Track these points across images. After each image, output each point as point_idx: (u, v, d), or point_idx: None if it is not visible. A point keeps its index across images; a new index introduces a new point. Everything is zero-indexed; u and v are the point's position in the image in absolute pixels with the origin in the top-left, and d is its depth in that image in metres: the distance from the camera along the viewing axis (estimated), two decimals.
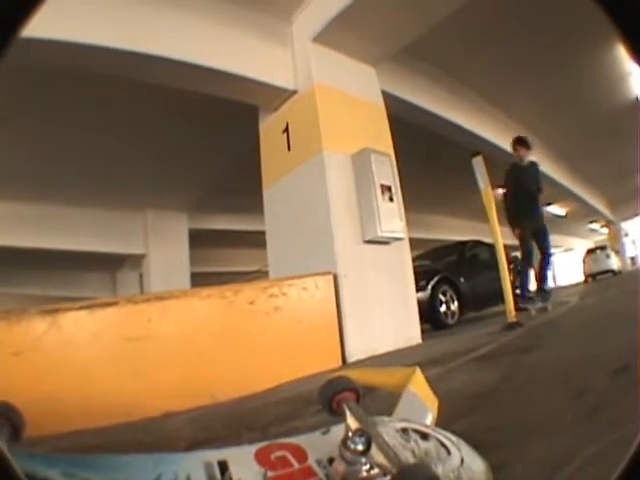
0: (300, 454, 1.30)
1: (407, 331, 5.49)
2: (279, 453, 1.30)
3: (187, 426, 2.93)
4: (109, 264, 15.28)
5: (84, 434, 2.84)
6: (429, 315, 7.50)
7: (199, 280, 12.08)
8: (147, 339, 3.52)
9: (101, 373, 3.34)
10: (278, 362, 3.95)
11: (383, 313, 5.26)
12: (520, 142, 6.82)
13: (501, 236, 5.19)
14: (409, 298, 5.70)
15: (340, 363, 4.63)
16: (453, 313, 8.10)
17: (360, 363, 4.55)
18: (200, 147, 9.00)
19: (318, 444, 1.34)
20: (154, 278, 12.79)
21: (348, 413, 1.32)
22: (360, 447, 1.10)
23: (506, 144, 7.57)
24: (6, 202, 10.93)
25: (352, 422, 1.29)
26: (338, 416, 1.37)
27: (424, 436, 1.32)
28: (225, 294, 3.96)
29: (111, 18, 4.64)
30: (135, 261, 13.98)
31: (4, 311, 3.53)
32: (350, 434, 1.14)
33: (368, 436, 1.12)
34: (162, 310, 3.64)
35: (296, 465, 1.26)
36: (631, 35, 0.66)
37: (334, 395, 1.38)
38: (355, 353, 4.78)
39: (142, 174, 10.03)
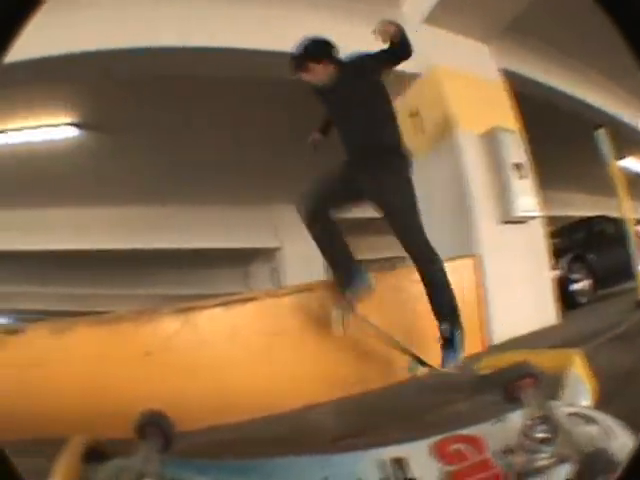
0: (478, 445, 1.24)
1: (543, 311, 5.35)
2: (456, 446, 1.24)
3: (329, 419, 2.94)
4: (240, 260, 15.61)
5: (221, 430, 2.93)
6: (562, 294, 7.27)
7: None
8: (284, 333, 3.54)
9: (237, 369, 3.39)
10: (419, 349, 3.75)
11: (521, 294, 5.13)
12: None
13: (630, 210, 4.95)
14: (545, 277, 5.57)
15: (481, 348, 4.51)
16: (586, 291, 7.80)
17: (502, 346, 4.44)
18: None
19: (494, 434, 1.26)
20: (288, 271, 12.90)
21: (528, 400, 1.24)
22: (543, 435, 1.05)
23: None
24: (137, 206, 11.63)
25: (532, 409, 1.20)
26: (514, 403, 1.29)
27: (588, 420, 1.21)
28: None
29: (224, 17, 5.03)
30: (267, 255, 14.15)
31: (135, 312, 3.70)
32: (530, 422, 1.09)
33: (553, 424, 1.06)
34: (299, 303, 3.63)
35: (474, 457, 1.20)
36: (631, 35, 0.63)
37: (513, 381, 1.30)
38: (497, 336, 4.74)
39: (266, 168, 10.20)
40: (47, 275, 17.57)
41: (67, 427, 2.61)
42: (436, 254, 3.40)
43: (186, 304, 3.48)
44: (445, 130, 5.34)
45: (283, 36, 5.04)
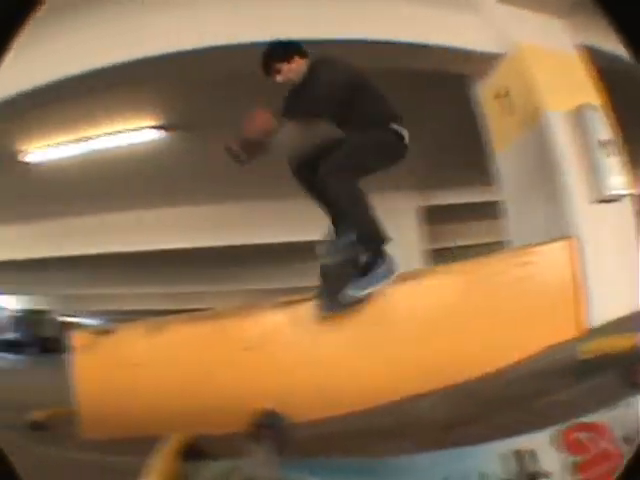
0: (601, 433, 1.17)
1: (637, 294, 5.17)
2: (579, 435, 1.18)
3: (434, 408, 2.89)
4: None
5: (325, 424, 2.95)
6: None
7: (438, 257, 12.22)
8: (387, 323, 3.45)
9: (339, 362, 3.33)
10: (519, 334, 3.66)
11: (617, 274, 4.96)
12: None
13: None
14: (637, 258, 5.35)
15: (578, 331, 4.26)
16: None
17: (603, 329, 4.19)
18: (411, 123, 8.97)
19: (615, 420, 1.20)
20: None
21: None
22: None
23: None
24: (227, 202, 11.92)
25: None
26: (635, 388, 1.27)
27: None
28: (466, 268, 3.86)
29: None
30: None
31: (233, 308, 3.78)
32: None
33: None
34: (402, 291, 3.51)
35: (598, 446, 1.14)
36: (631, 35, 0.63)
37: (634, 365, 1.29)
38: (595, 318, 4.60)
39: None
40: (140, 275, 18.45)
41: (164, 426, 2.86)
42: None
43: (286, 298, 3.47)
44: (535, 110, 5.19)
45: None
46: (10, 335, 23.16)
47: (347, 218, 3.22)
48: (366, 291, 3.10)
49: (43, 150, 9.01)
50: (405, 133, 3.35)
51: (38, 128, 8.28)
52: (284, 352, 3.32)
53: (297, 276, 17.36)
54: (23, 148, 8.98)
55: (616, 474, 1.03)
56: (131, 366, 3.34)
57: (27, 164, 9.42)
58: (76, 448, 3.10)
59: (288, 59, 3.36)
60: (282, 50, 3.40)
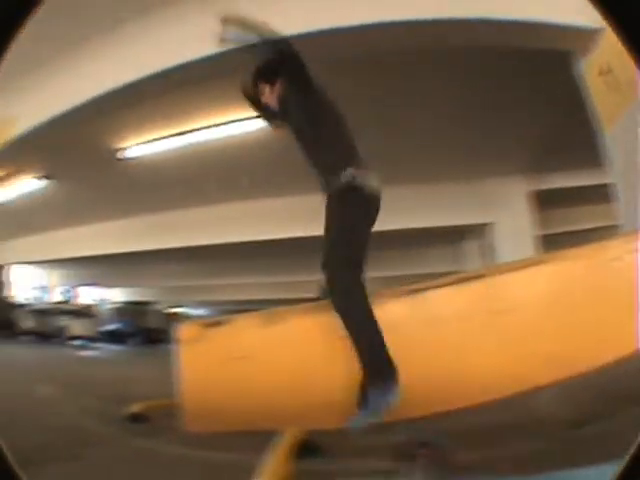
0: None
1: None
2: None
3: (557, 402, 2.72)
4: (448, 238, 15.41)
5: (457, 414, 2.83)
6: None
7: (550, 243, 11.68)
8: (510, 311, 3.24)
9: (467, 351, 3.19)
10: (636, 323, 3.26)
11: None
12: None
13: None
14: None
15: None
16: None
17: None
18: (517, 106, 8.58)
19: None
20: (500, 247, 12.31)
21: None
22: None
23: None
24: None
25: None
26: None
27: None
28: (583, 254, 3.55)
29: None
30: (476, 232, 13.78)
31: None
32: None
33: None
34: (522, 279, 3.34)
35: None
36: (631, 35, 0.66)
37: None
38: None
39: (470, 144, 9.95)
40: (244, 265, 18.97)
41: (273, 421, 2.83)
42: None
43: (414, 285, 3.33)
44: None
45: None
46: (113, 326, 24.30)
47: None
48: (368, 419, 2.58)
49: (142, 145, 9.30)
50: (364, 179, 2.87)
51: (136, 123, 8.52)
52: (412, 341, 3.13)
53: (410, 263, 17.32)
54: (122, 144, 9.31)
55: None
56: (241, 358, 3.27)
57: (128, 160, 9.75)
58: (176, 442, 3.06)
59: (272, 82, 3.15)
60: (267, 72, 3.16)
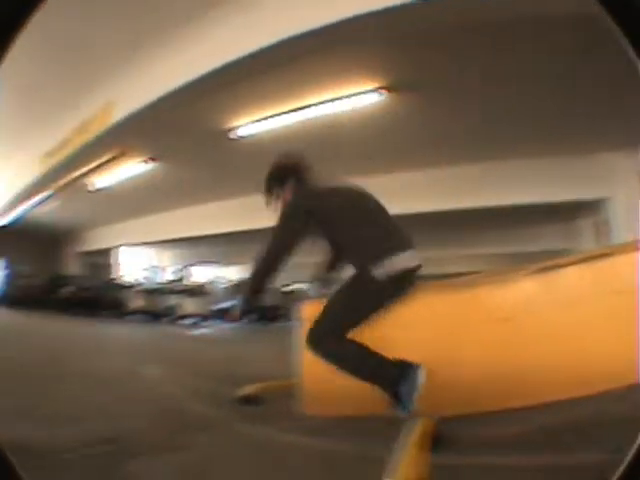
0: None
1: None
2: None
3: None
4: (562, 214, 14.63)
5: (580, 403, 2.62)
6: None
7: None
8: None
9: (596, 334, 2.95)
10: None
11: None
12: None
13: None
14: None
15: None
16: None
17: None
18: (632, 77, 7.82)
19: None
20: (617, 224, 11.58)
21: None
22: None
23: None
24: (451, 166, 11.71)
25: None
26: None
27: None
28: None
29: None
30: (591, 208, 13.06)
31: (490, 273, 3.43)
32: None
33: None
34: None
35: None
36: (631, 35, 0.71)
37: None
38: None
39: (589, 115, 9.31)
40: None
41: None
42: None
43: (542, 264, 3.18)
44: None
45: None
46: (227, 304, 24.98)
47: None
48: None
49: (254, 123, 9.30)
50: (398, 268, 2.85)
51: (248, 100, 8.51)
52: (542, 322, 2.99)
53: (521, 240, 16.73)
54: (234, 123, 9.37)
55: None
56: (388, 328, 3.04)
57: (240, 139, 9.82)
58: (294, 429, 2.90)
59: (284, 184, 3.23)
60: (279, 174, 3.29)
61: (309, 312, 3.20)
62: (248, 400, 3.51)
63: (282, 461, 2.36)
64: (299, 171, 3.23)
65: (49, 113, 9.83)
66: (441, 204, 12.25)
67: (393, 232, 3.00)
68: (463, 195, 11.93)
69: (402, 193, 11.63)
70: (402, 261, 2.82)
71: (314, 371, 3.12)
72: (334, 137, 9.93)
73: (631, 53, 0.76)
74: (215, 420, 3.19)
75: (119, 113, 8.05)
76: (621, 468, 0.71)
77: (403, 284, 2.90)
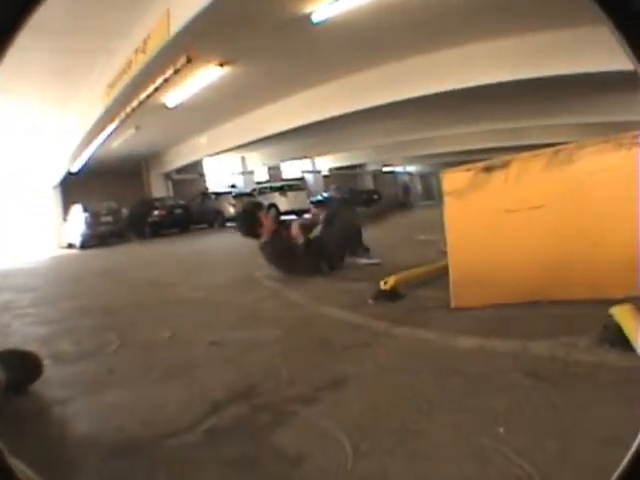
0: None
1: None
2: None
3: None
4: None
5: None
6: None
7: None
8: None
9: None
10: None
11: None
12: None
13: None
14: None
15: None
16: None
17: None
18: None
19: None
20: None
21: None
22: None
23: None
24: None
25: None
26: None
27: None
28: None
29: None
30: None
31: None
32: None
33: None
34: None
35: None
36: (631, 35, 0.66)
37: None
38: None
39: None
40: (457, 114, 18.32)
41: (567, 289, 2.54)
42: None
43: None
44: None
45: None
46: (325, 194, 25.28)
47: None
48: None
49: (330, 5, 8.64)
50: None
51: None
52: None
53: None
54: (308, 8, 8.65)
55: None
56: (521, 210, 2.73)
57: (316, 24, 9.19)
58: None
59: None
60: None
61: (452, 184, 2.88)
62: (388, 295, 3.26)
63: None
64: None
65: (100, 45, 9.65)
66: (521, 73, 11.40)
67: None
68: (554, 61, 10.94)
69: (494, 62, 11.32)
70: None
71: (460, 258, 2.85)
72: (415, 8, 9.08)
73: (631, 54, 0.71)
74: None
75: (177, 21, 7.59)
76: (621, 468, 0.68)
77: None
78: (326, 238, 4.75)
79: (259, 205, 5.27)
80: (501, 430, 1.41)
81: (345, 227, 4.89)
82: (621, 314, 1.90)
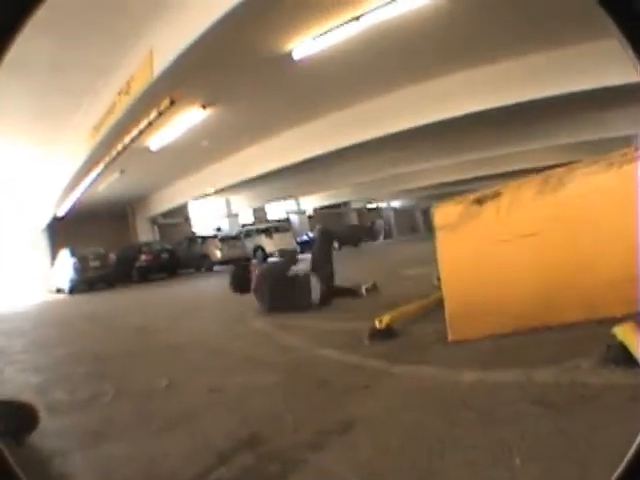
0: None
1: None
2: None
3: None
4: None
5: None
6: None
7: None
8: None
9: None
10: None
11: None
12: None
13: None
14: None
15: None
16: None
17: None
18: None
19: None
20: None
21: None
22: None
23: None
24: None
25: None
26: None
27: None
28: None
29: None
30: None
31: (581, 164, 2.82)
32: None
33: None
34: None
35: None
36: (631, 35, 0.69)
37: None
38: None
39: None
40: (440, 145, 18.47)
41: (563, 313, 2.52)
42: None
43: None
44: None
45: None
46: (309, 235, 25.31)
47: None
48: None
49: (312, 41, 8.79)
50: None
51: (297, 18, 7.94)
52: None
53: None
54: (290, 44, 8.77)
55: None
56: (517, 238, 2.76)
57: (298, 61, 9.31)
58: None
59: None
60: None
61: (444, 218, 2.89)
62: (383, 334, 3.20)
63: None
64: None
65: (85, 85, 9.71)
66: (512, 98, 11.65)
67: None
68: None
69: (461, 93, 11.67)
70: None
71: (455, 291, 2.84)
72: (400, 41, 9.30)
73: (631, 54, 0.70)
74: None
75: (160, 63, 7.68)
76: (621, 468, 0.69)
77: None
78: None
79: (246, 266, 5.75)
80: (517, 461, 1.39)
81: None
82: (624, 333, 1.93)
